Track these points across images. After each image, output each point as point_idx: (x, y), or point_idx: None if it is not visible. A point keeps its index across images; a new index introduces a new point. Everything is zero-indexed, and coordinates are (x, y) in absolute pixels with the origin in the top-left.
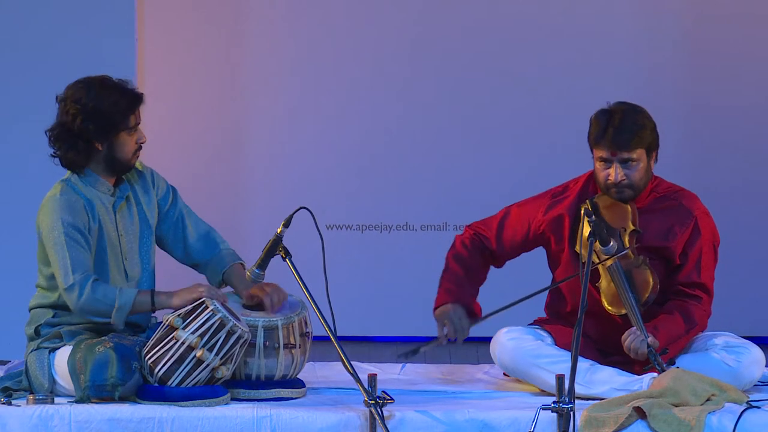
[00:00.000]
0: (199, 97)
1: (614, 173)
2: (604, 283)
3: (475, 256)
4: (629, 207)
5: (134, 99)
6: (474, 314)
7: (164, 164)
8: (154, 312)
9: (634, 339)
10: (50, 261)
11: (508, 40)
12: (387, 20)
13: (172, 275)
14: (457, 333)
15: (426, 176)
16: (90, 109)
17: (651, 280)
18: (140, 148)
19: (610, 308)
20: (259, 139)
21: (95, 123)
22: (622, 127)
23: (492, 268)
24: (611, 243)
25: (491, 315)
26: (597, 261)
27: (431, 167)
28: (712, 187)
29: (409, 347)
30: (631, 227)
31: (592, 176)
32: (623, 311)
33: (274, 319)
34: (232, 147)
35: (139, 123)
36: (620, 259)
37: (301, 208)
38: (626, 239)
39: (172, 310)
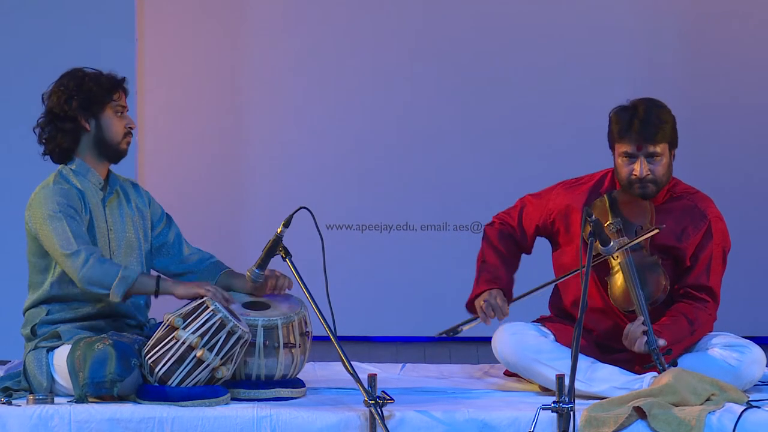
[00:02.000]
0: (199, 97)
1: (639, 168)
2: (615, 278)
3: (508, 243)
4: (649, 205)
5: (114, 79)
6: (510, 295)
7: (164, 164)
8: (156, 296)
9: (633, 330)
10: (48, 245)
11: (508, 40)
12: (387, 21)
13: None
14: (495, 311)
15: (426, 176)
16: (72, 87)
17: (663, 280)
18: (130, 133)
19: (618, 304)
20: (259, 140)
21: (79, 99)
22: (647, 121)
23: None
24: (611, 243)
25: (525, 296)
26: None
27: (431, 167)
28: (711, 186)
29: (448, 327)
30: (649, 226)
31: (608, 174)
32: (630, 308)
33: (274, 318)
34: (232, 147)
35: (125, 107)
36: (634, 256)
37: (301, 208)
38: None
39: (173, 308)
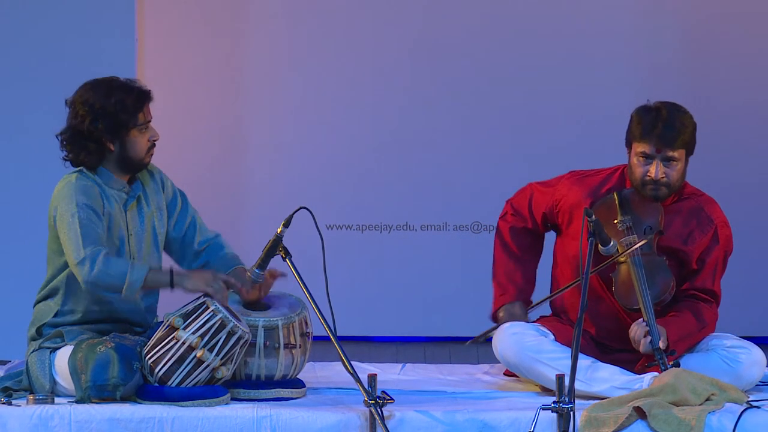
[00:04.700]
0: (199, 97)
1: (655, 170)
2: (621, 276)
3: (521, 239)
4: (659, 205)
5: (141, 96)
6: (529, 302)
7: (165, 164)
8: (173, 290)
9: (638, 330)
10: (62, 242)
11: (508, 40)
12: (387, 21)
13: None
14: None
15: (426, 176)
16: (98, 109)
17: (670, 281)
18: (153, 145)
19: (623, 302)
20: (259, 139)
21: (104, 122)
22: (670, 125)
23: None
24: (611, 243)
25: (543, 301)
26: (622, 251)
27: (431, 167)
28: (711, 186)
29: (478, 334)
30: (659, 226)
31: (617, 171)
32: (634, 306)
33: (274, 319)
34: (232, 147)
35: (149, 120)
36: (642, 256)
37: (301, 208)
38: (653, 237)
39: (173, 308)
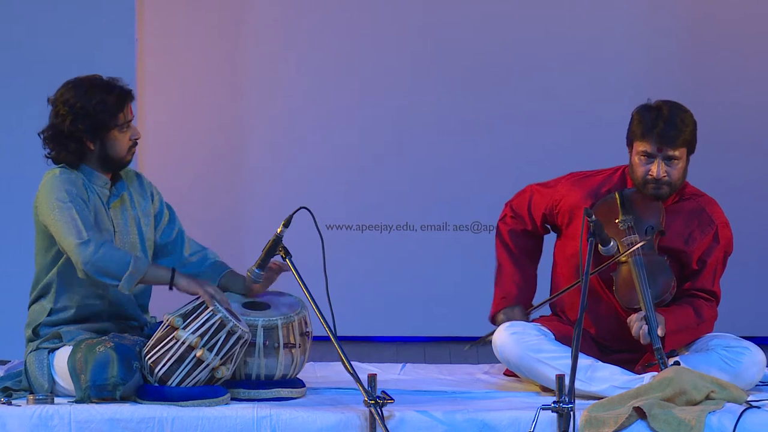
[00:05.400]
0: (199, 97)
1: (656, 169)
2: (622, 275)
3: (521, 240)
4: (661, 205)
5: (122, 96)
6: (528, 305)
7: (164, 164)
8: (171, 289)
9: (637, 322)
10: (56, 233)
11: (508, 40)
12: (387, 20)
13: None
14: None
15: (426, 176)
16: (78, 109)
17: (671, 281)
18: (135, 144)
19: (623, 302)
20: (259, 139)
21: (84, 123)
22: (671, 123)
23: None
24: (611, 243)
25: (544, 303)
26: (623, 251)
27: (431, 167)
28: (711, 186)
29: (477, 338)
30: (660, 225)
31: (617, 171)
32: (635, 306)
33: (274, 318)
34: (232, 147)
35: (130, 120)
36: (644, 256)
37: (301, 208)
38: (654, 237)
39: (173, 308)
